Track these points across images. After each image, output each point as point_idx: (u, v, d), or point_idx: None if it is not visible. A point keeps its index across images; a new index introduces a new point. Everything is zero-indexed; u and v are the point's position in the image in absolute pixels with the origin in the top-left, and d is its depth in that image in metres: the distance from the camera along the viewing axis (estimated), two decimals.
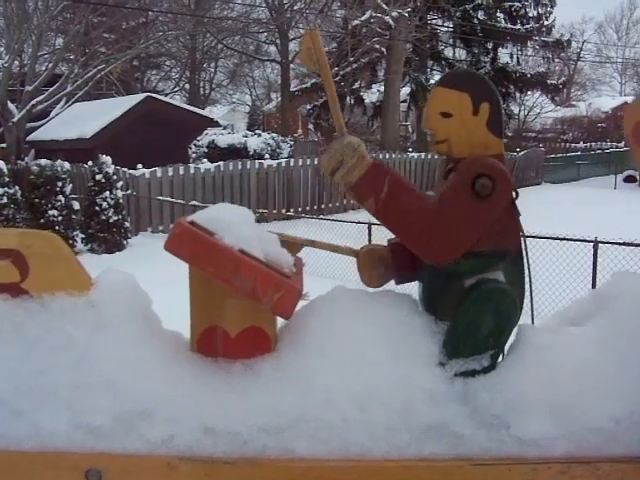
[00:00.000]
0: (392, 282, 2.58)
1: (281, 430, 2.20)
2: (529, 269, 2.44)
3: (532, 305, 2.57)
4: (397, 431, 2.22)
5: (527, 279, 2.42)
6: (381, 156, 21.71)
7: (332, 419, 2.21)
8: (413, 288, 2.58)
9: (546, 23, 30.60)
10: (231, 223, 2.23)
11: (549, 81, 31.45)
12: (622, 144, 36.36)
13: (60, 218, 12.52)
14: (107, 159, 13.46)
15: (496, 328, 2.27)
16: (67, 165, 13.49)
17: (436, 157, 23.42)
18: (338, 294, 2.49)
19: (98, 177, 13.15)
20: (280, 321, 2.41)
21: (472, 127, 2.34)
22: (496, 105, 2.36)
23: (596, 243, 8.09)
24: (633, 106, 2.64)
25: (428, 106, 2.39)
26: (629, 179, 29.45)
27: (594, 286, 8.14)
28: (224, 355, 2.32)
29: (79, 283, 2.31)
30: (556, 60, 36.03)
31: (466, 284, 2.32)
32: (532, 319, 2.61)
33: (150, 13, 27.77)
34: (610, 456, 2.23)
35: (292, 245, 2.48)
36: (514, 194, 2.33)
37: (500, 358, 2.35)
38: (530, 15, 30.42)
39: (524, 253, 2.41)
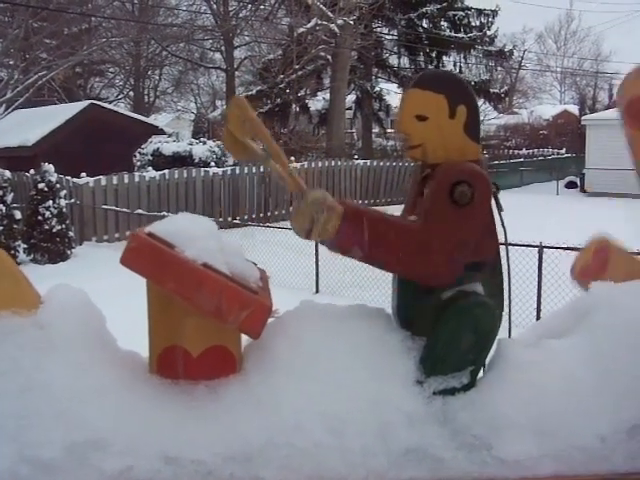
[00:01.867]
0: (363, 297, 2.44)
1: (249, 458, 2.03)
2: (509, 278, 2.33)
3: (510, 317, 2.47)
4: (374, 456, 2.07)
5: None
6: (327, 163, 21.71)
7: (304, 445, 2.05)
8: (386, 302, 2.44)
9: (489, 33, 31.05)
10: (192, 235, 2.06)
11: (492, 89, 31.87)
12: (563, 151, 37.18)
13: (1, 228, 12.11)
14: (50, 167, 13.15)
15: (476, 344, 2.14)
16: (8, 173, 13.14)
17: (381, 164, 23.52)
18: (307, 309, 2.33)
19: (40, 186, 12.82)
20: (245, 339, 2.25)
21: (448, 131, 2.21)
22: (473, 108, 2.24)
23: (541, 248, 8.21)
24: (626, 81, 2.59)
25: (402, 108, 2.26)
26: (570, 185, 30.08)
27: (539, 290, 8.27)
28: (185, 376, 2.14)
29: (26, 301, 2.11)
30: (499, 69, 36.63)
31: (443, 297, 2.19)
32: (509, 332, 2.49)
33: (93, 19, 27.25)
34: (597, 474, 2.13)
35: (244, 149, 2.23)
36: (493, 200, 2.22)
37: (480, 374, 2.23)
38: (473, 24, 30.84)
39: (504, 260, 2.30)
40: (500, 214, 2.30)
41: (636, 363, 2.19)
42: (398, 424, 2.09)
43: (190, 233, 2.07)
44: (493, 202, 2.23)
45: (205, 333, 2.13)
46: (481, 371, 2.23)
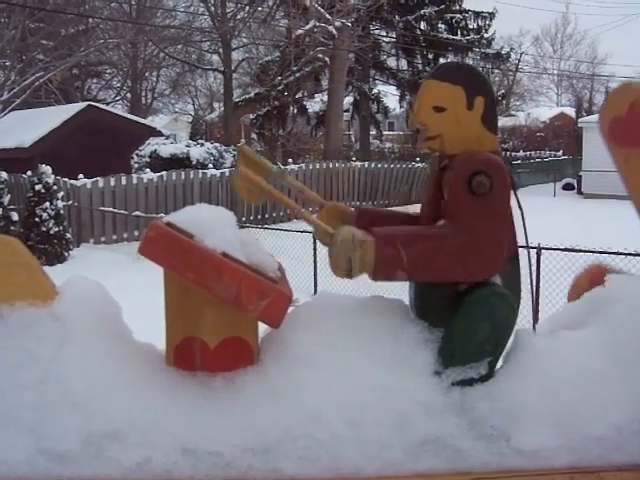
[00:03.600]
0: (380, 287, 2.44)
1: (267, 449, 2.02)
2: (531, 271, 2.32)
3: (535, 309, 2.46)
4: (391, 447, 2.06)
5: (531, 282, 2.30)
6: (324, 165, 21.70)
7: (321, 436, 2.04)
8: (404, 293, 2.43)
9: (486, 35, 31.13)
10: (211, 225, 2.05)
11: None
12: (560, 153, 37.26)
13: None
14: (47, 169, 13.09)
15: (493, 334, 2.14)
16: (4, 175, 13.10)
17: (379, 166, 23.50)
18: (324, 301, 2.33)
19: (37, 187, 12.76)
20: (261, 331, 2.24)
21: (466, 122, 2.21)
22: (490, 99, 2.24)
23: (539, 249, 8.25)
24: (608, 104, 2.56)
25: (419, 99, 2.26)
26: (567, 187, 30.15)
27: (537, 291, 8.31)
28: (203, 368, 2.13)
29: (42, 293, 2.10)
30: (496, 71, 36.68)
31: (460, 288, 2.18)
32: (533, 325, 2.49)
33: (90, 20, 27.18)
34: (613, 465, 2.13)
35: (260, 169, 2.26)
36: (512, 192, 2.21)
37: (498, 365, 2.22)
38: (470, 27, 30.92)
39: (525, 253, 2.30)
40: (519, 205, 2.29)
41: None
42: (415, 415, 2.09)
43: (209, 223, 2.06)
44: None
45: (222, 324, 2.12)
46: (499, 363, 2.23)
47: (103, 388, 2.02)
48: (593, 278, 2.61)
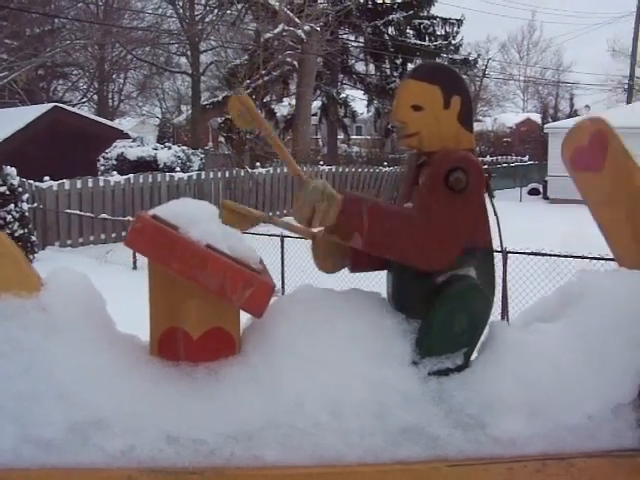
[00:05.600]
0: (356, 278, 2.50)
1: (250, 437, 2.06)
2: (504, 265, 2.40)
3: (506, 302, 2.54)
4: (372, 435, 2.11)
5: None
6: None
7: (303, 425, 2.08)
8: (382, 287, 2.49)
9: (454, 41, 31.50)
10: (196, 217, 2.09)
11: None
12: (526, 158, 37.76)
13: None
14: (12, 170, 12.96)
15: (470, 326, 2.21)
16: None
17: (346, 170, 23.63)
18: (304, 293, 2.37)
19: (2, 189, 12.62)
20: (243, 322, 2.28)
21: (443, 120, 2.28)
22: (467, 98, 2.32)
23: (505, 253, 8.41)
24: (570, 134, 2.70)
25: (398, 98, 2.32)
26: (533, 192, 30.58)
27: (505, 294, 8.43)
28: (186, 358, 2.16)
29: (27, 283, 2.12)
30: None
31: (437, 281, 2.25)
32: (507, 317, 2.57)
33: (57, 20, 26.91)
34: (584, 452, 2.20)
35: (244, 218, 2.33)
36: (486, 188, 2.29)
37: (473, 356, 2.29)
38: (439, 33, 31.28)
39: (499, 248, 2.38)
40: (492, 201, 2.37)
41: (621, 344, 2.27)
42: (395, 404, 2.14)
43: (193, 216, 2.10)
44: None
45: (205, 315, 2.16)
46: (474, 353, 2.30)
47: (88, 377, 2.05)
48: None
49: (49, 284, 2.16)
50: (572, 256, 8.67)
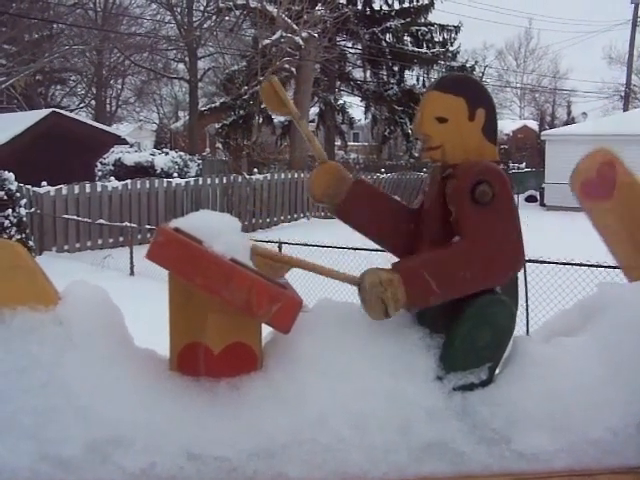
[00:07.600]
0: None
1: (273, 454, 2.03)
2: (525, 278, 2.37)
3: (527, 315, 2.51)
4: (396, 451, 2.08)
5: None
6: (289, 175, 21.72)
7: (327, 441, 2.05)
8: None
9: (451, 48, 31.54)
10: (219, 230, 2.05)
11: None
12: (523, 165, 37.82)
13: None
14: (10, 175, 12.90)
15: (493, 340, 2.18)
16: None
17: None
18: (325, 307, 2.34)
19: (0, 194, 12.52)
20: (264, 337, 2.24)
21: (467, 133, 2.26)
22: (491, 111, 2.29)
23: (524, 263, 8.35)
24: (578, 168, 2.70)
25: (422, 110, 2.29)
26: (530, 199, 30.57)
27: (526, 307, 8.41)
28: (207, 374, 2.12)
29: (44, 297, 2.08)
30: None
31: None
32: (527, 329, 2.54)
33: (55, 26, 26.87)
34: (608, 468, 2.18)
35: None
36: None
37: (497, 370, 2.26)
38: (436, 40, 31.32)
39: None
40: None
41: None
42: (419, 419, 2.11)
43: (216, 229, 2.06)
44: None
45: (226, 330, 2.12)
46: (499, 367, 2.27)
47: (107, 393, 2.01)
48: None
49: (66, 298, 2.12)
50: (570, 263, 8.57)
